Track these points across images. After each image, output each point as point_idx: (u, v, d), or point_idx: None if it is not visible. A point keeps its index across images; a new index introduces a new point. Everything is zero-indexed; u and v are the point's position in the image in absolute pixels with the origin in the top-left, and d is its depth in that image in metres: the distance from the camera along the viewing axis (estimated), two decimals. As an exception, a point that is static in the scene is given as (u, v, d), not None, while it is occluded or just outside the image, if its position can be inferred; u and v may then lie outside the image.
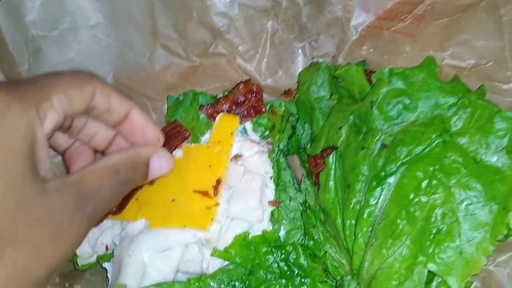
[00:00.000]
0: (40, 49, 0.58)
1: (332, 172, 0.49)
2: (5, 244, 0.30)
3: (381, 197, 0.45)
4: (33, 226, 0.31)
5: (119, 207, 0.52)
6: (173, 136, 0.55)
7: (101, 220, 0.52)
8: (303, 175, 0.55)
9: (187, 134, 0.54)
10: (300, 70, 0.59)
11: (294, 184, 0.54)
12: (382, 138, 0.46)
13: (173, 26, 0.58)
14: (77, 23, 0.58)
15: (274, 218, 0.52)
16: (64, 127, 0.41)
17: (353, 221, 0.46)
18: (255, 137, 0.55)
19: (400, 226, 0.43)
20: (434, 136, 0.44)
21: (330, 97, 0.54)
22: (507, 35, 0.50)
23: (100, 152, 0.46)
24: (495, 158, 0.43)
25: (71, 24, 0.58)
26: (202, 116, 0.55)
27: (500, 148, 0.43)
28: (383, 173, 0.44)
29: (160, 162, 0.42)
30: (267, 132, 0.55)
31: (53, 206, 0.32)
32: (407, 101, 0.46)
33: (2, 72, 0.56)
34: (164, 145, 0.54)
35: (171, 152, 0.53)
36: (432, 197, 0.43)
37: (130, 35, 0.59)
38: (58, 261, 0.33)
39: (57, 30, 0.58)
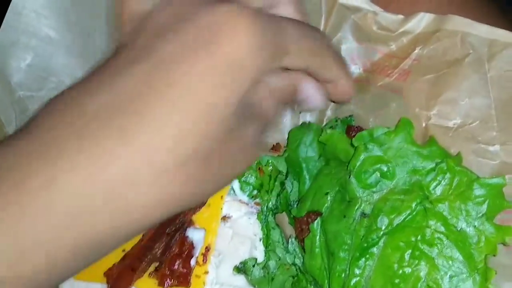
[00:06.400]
0: (27, 109, 0.63)
1: (317, 238, 0.52)
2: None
3: (366, 267, 0.48)
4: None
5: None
6: None
7: None
8: (290, 236, 0.58)
9: None
10: (288, 124, 0.62)
11: (283, 243, 0.58)
12: (362, 206, 0.49)
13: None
14: (63, 82, 0.63)
15: (263, 281, 0.55)
16: None
17: (339, 289, 0.49)
18: (243, 197, 0.58)
19: (386, 298, 0.46)
20: (414, 204, 0.47)
21: (319, 158, 0.57)
22: (493, 92, 0.52)
23: None
24: (475, 225, 0.46)
25: (58, 84, 0.63)
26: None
27: (480, 215, 0.46)
28: (365, 244, 0.47)
29: None
30: (255, 192, 0.59)
31: None
32: (385, 168, 0.49)
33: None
34: None
35: None
36: (415, 268, 0.46)
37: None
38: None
39: (44, 89, 0.63)
